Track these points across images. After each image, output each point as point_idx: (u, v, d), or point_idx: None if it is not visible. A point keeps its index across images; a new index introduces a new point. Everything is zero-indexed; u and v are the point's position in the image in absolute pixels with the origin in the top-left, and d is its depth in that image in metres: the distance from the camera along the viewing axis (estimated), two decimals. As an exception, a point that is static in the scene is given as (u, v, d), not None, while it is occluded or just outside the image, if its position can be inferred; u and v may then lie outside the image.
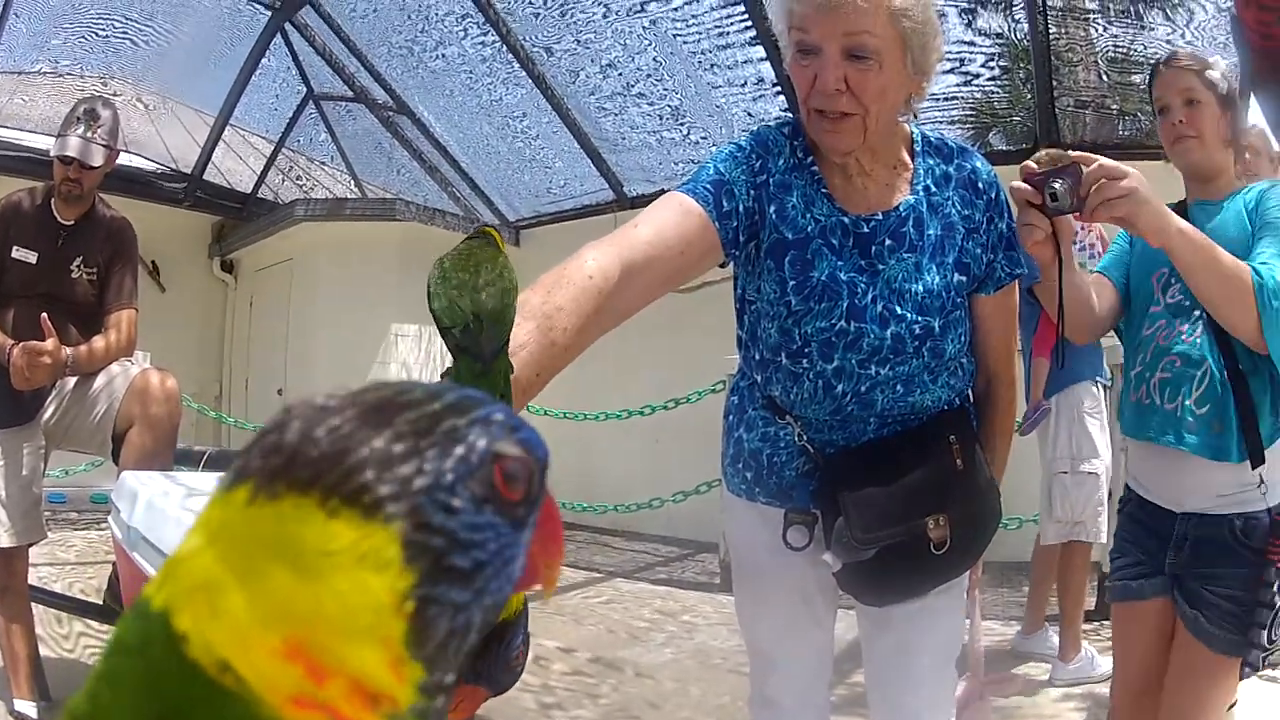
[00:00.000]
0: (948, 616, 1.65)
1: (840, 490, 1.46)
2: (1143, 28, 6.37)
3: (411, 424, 0.40)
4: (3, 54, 6.40)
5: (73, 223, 2.85)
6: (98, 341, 2.78)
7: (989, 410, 1.66)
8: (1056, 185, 1.44)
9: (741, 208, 1.45)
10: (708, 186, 1.43)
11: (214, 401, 8.22)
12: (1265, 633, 1.64)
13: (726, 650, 3.81)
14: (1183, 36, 6.25)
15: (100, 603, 3.09)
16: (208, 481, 2.01)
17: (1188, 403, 1.70)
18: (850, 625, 1.77)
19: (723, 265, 1.55)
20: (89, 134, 2.75)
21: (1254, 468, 1.65)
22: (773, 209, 1.48)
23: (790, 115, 1.58)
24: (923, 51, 1.41)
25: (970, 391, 1.65)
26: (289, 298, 7.56)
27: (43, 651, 2.99)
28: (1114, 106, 5.94)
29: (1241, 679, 1.72)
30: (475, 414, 0.42)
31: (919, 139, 1.55)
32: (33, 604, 2.89)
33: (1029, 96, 5.92)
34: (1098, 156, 1.48)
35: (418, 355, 6.95)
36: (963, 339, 1.54)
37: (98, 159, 2.76)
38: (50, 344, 2.51)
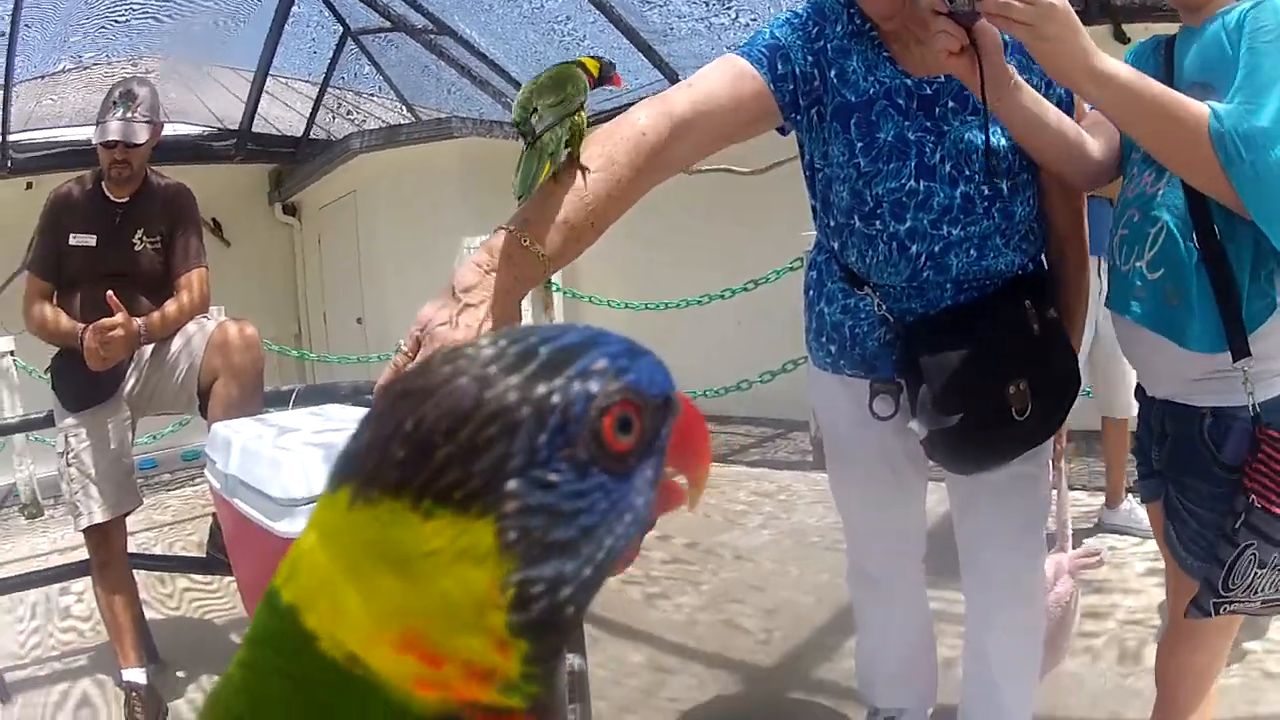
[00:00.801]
0: (1034, 486, 1.67)
1: (922, 357, 1.50)
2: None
3: (499, 400, 0.38)
4: (23, 63, 6.40)
5: (127, 199, 2.86)
6: (170, 306, 2.80)
7: (1064, 274, 1.66)
8: None
9: (798, 71, 1.48)
10: (763, 50, 1.47)
11: (294, 340, 8.48)
12: (1223, 575, 1.33)
13: (823, 528, 3.88)
14: None
15: (204, 555, 3.12)
16: (299, 419, 2.04)
17: (1139, 264, 1.41)
18: (942, 499, 1.80)
19: (782, 132, 1.59)
20: (129, 114, 2.74)
21: (1235, 360, 1.31)
22: (833, 73, 1.50)
23: None
24: None
25: (1044, 258, 1.65)
26: (356, 229, 7.68)
27: (148, 614, 3.11)
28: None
29: (1186, 616, 1.41)
30: (572, 370, 0.40)
31: None
32: (134, 571, 2.93)
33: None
34: None
35: (495, 260, 6.90)
36: (1031, 202, 1.55)
37: (141, 136, 2.75)
38: (120, 317, 2.53)
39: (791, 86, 1.47)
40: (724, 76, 1.42)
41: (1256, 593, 1.33)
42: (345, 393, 2.72)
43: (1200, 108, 1.24)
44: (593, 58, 1.31)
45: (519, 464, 0.37)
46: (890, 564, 1.82)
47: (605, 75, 1.30)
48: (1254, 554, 1.30)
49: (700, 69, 1.46)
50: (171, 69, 7.21)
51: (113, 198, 2.84)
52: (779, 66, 1.46)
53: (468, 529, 0.37)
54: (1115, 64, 1.25)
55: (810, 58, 1.48)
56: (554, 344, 0.40)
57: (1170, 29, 1.48)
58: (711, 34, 5.76)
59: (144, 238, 2.85)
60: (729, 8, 5.39)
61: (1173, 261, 1.35)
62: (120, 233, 2.83)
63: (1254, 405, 1.32)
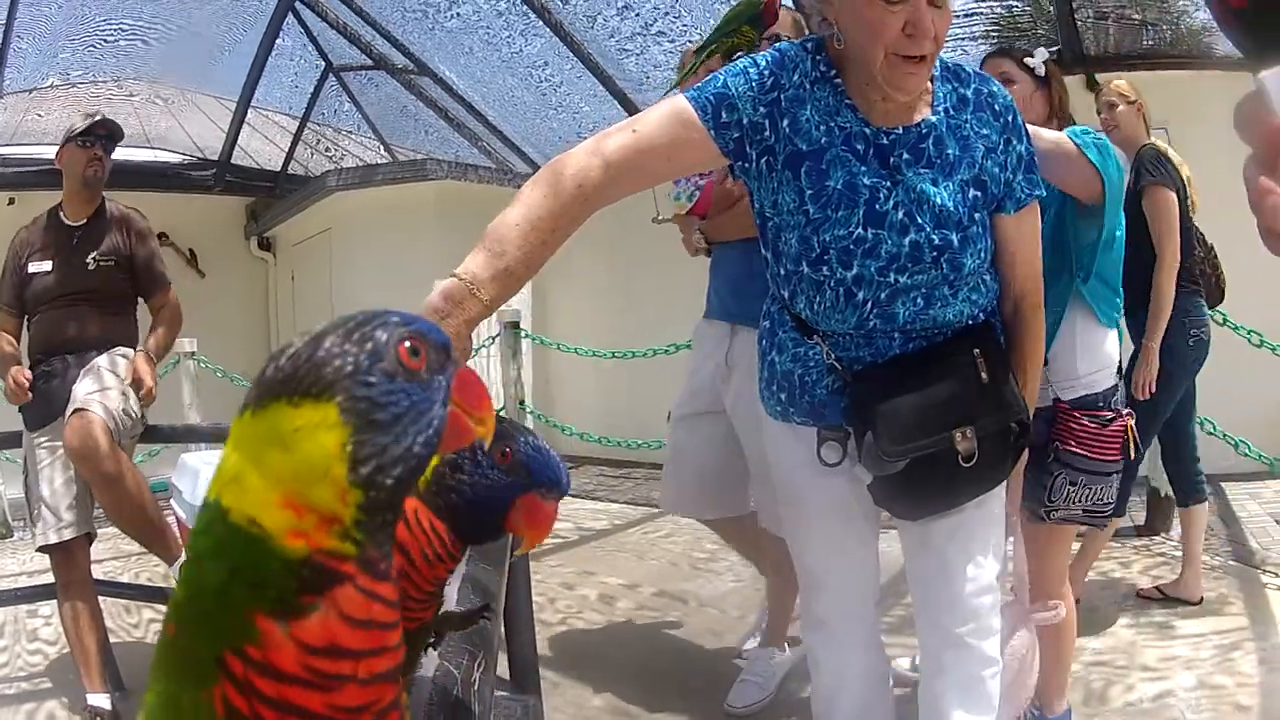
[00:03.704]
0: (986, 532, 1.69)
1: (868, 405, 1.53)
2: (1162, -64, 6.19)
3: (340, 337, 0.58)
4: (13, 75, 6.44)
5: (84, 222, 2.91)
6: (157, 334, 2.93)
7: (1017, 330, 1.69)
8: None
9: (746, 120, 1.52)
10: (710, 98, 1.51)
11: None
12: (1046, 494, 2.10)
13: (785, 576, 3.87)
14: (1201, -59, 6.08)
15: (169, 587, 3.15)
16: None
17: None
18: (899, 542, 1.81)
19: (734, 177, 1.64)
20: (96, 121, 2.89)
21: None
22: (785, 122, 1.53)
23: (814, 36, 1.62)
24: None
25: (998, 310, 1.68)
26: (330, 268, 7.68)
27: (114, 642, 3.09)
28: (1135, 16, 5.82)
29: (1034, 521, 2.12)
30: (377, 320, 0.60)
31: (938, 65, 1.58)
32: (100, 596, 2.93)
33: (1050, 9, 5.81)
34: None
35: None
36: (982, 255, 1.58)
37: (118, 133, 2.88)
38: (22, 380, 2.73)
39: (737, 135, 1.52)
40: (666, 123, 1.49)
41: (1074, 503, 2.12)
42: None
43: None
44: None
45: (349, 371, 0.56)
46: (843, 609, 1.81)
47: None
48: (1065, 478, 2.10)
49: (651, 109, 1.53)
50: (156, 93, 7.24)
51: (69, 221, 2.91)
52: (723, 115, 1.50)
53: (321, 408, 0.55)
54: None
55: (763, 108, 1.52)
56: (369, 314, 0.61)
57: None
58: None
59: (98, 258, 2.90)
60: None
61: None
62: (75, 256, 2.88)
63: (1054, 394, 2.12)
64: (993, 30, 6.15)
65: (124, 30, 6.51)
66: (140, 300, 3.08)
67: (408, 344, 0.60)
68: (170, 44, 6.80)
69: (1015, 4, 6.14)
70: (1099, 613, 3.22)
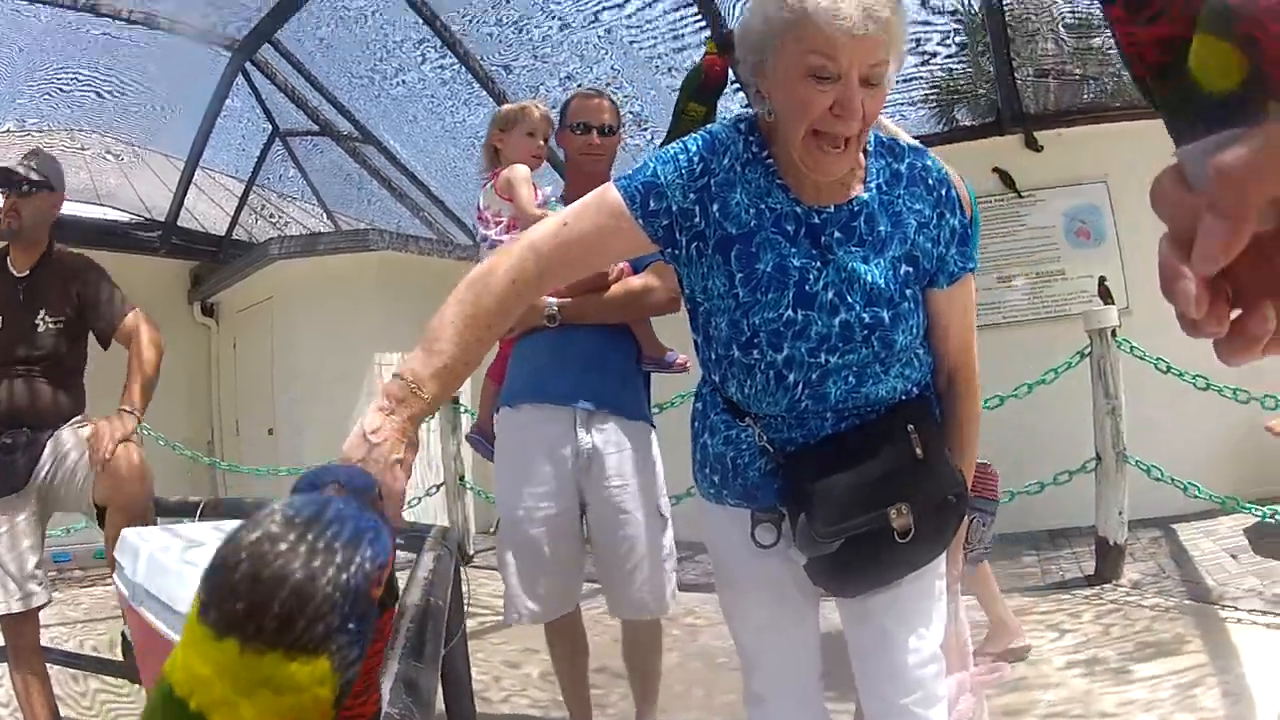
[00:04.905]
0: (925, 603, 1.66)
1: (802, 486, 1.50)
2: (1098, -8, 6.35)
3: (323, 589, 0.64)
4: None
5: (29, 272, 2.82)
6: (132, 382, 2.85)
7: (951, 403, 1.68)
8: None
9: (676, 208, 1.52)
10: (639, 187, 1.52)
11: (206, 447, 8.20)
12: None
13: (729, 650, 3.75)
14: (1139, -4, 6.25)
15: (115, 659, 3.13)
16: (204, 533, 2.07)
17: None
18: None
19: (666, 260, 1.63)
20: (21, 164, 2.78)
21: None
22: (715, 207, 1.52)
23: (748, 112, 1.62)
24: (901, 51, 1.46)
25: (932, 383, 1.67)
26: (271, 337, 7.55)
27: (62, 711, 3.00)
28: (1076, 72, 5.95)
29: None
30: (358, 558, 0.67)
31: (873, 140, 1.58)
32: (48, 664, 2.89)
33: (990, 69, 5.93)
34: None
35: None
36: (914, 330, 1.56)
37: (32, 177, 2.74)
38: None
39: (666, 222, 1.52)
40: (595, 214, 1.52)
41: (982, 541, 2.40)
42: (249, 510, 2.69)
43: None
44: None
45: (337, 623, 0.63)
46: (781, 686, 1.79)
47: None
48: (979, 520, 2.34)
49: (581, 200, 1.55)
50: (107, 148, 7.19)
51: (15, 272, 2.81)
52: (651, 204, 1.51)
53: (314, 662, 0.62)
54: None
55: (692, 194, 1.52)
56: (344, 539, 0.67)
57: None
58: (626, 154, 5.90)
59: (46, 318, 2.82)
60: (644, 129, 5.55)
61: None
62: (24, 311, 2.80)
63: None
64: (932, 94, 6.27)
65: (79, 80, 6.48)
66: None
67: (378, 578, 0.68)
68: (123, 98, 6.77)
69: (955, 67, 6.26)
70: (1050, 664, 3.20)
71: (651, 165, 1.54)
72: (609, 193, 1.53)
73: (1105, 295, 5.70)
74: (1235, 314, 0.49)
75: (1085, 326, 4.49)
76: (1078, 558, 4.91)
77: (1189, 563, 4.40)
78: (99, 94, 6.66)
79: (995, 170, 5.90)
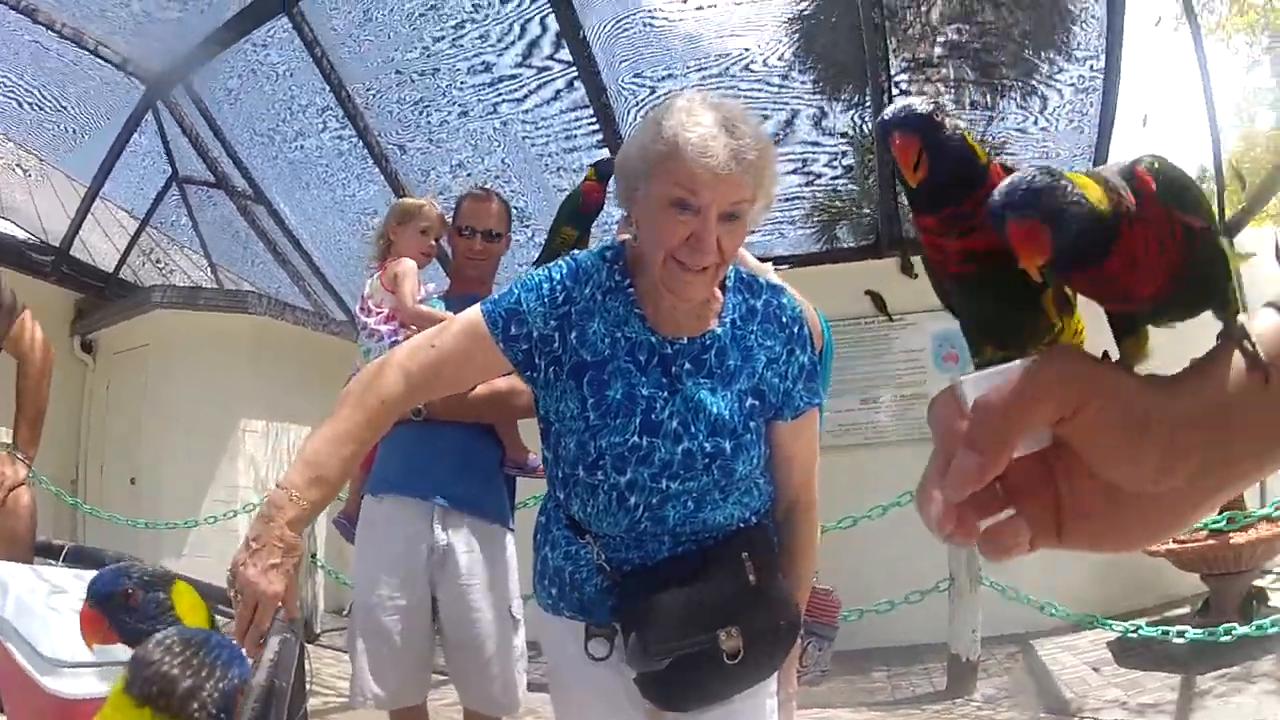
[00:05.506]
0: (757, 716, 1.69)
1: (635, 605, 1.55)
2: (993, 117, 6.63)
3: (211, 695, 1.03)
4: None
5: None
6: (22, 419, 2.84)
7: (789, 532, 1.74)
8: None
9: (536, 334, 1.59)
10: (502, 312, 1.60)
11: (70, 487, 7.93)
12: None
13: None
14: (1035, 123, 6.53)
15: None
16: (67, 579, 2.08)
17: None
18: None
19: (525, 381, 1.70)
20: None
21: None
22: (574, 334, 1.60)
23: (615, 241, 1.71)
24: (769, 190, 1.54)
25: (771, 511, 1.72)
26: (145, 384, 7.37)
27: None
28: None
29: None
30: (229, 674, 1.09)
31: (732, 276, 1.66)
32: None
33: (875, 191, 6.10)
34: None
35: (264, 452, 6.85)
36: (755, 460, 1.63)
37: None
38: None
39: (525, 347, 1.58)
40: (460, 336, 1.60)
41: (817, 665, 2.32)
42: (109, 562, 2.70)
43: None
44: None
45: (216, 709, 0.94)
46: None
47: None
48: (814, 645, 2.27)
49: (450, 322, 1.67)
50: (20, 160, 7.06)
51: None
52: (512, 329, 1.59)
53: None
54: None
55: (553, 322, 1.59)
56: (220, 662, 1.07)
57: None
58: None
59: None
60: (526, 225, 5.62)
61: None
62: None
63: None
64: (814, 213, 6.45)
65: (6, 85, 6.32)
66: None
67: (242, 689, 1.00)
68: (41, 111, 6.64)
69: (840, 187, 6.45)
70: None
71: (516, 292, 1.61)
72: (474, 315, 1.61)
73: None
74: (1005, 514, 0.53)
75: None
76: (929, 674, 4.95)
77: (1047, 676, 4.47)
78: (19, 103, 6.51)
79: (868, 293, 6.07)
